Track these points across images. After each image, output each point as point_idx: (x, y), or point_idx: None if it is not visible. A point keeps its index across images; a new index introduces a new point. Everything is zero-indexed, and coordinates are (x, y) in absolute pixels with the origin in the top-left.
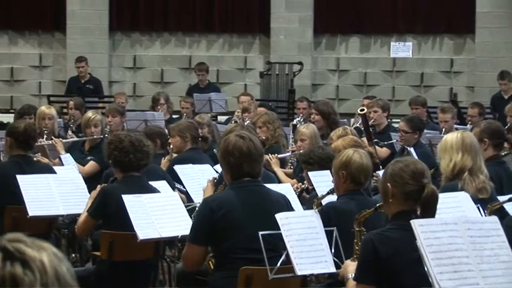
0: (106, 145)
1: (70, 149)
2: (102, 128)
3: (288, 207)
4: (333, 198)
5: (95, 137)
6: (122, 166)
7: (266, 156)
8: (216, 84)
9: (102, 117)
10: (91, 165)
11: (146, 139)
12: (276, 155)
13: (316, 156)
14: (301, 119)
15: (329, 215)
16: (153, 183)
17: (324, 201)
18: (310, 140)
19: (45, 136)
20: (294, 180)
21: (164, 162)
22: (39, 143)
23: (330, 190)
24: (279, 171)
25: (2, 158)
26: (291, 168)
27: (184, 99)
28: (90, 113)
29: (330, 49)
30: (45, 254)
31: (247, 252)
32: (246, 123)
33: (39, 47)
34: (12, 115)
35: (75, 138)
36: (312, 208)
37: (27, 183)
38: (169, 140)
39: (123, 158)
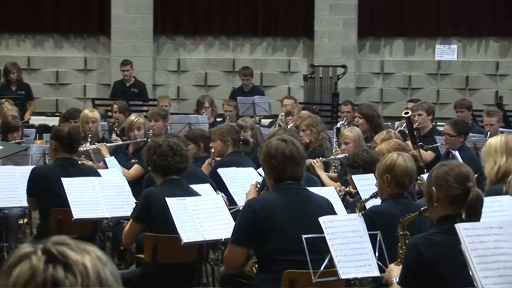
0: (145, 151)
1: (114, 152)
2: (145, 131)
3: (331, 211)
4: (377, 202)
5: (138, 140)
6: (161, 170)
7: (310, 160)
8: (260, 87)
9: (145, 120)
10: (135, 168)
11: (185, 143)
12: (320, 158)
13: (361, 160)
14: (345, 123)
15: (373, 219)
16: (196, 186)
17: (368, 205)
18: (354, 143)
19: (89, 139)
20: (338, 183)
21: (205, 166)
22: (84, 148)
23: (374, 194)
24: (323, 175)
25: (47, 161)
26: (334, 171)
27: (227, 102)
28: (133, 116)
29: (374, 52)
30: (88, 257)
31: (290, 255)
32: (289, 127)
33: (84, 51)
34: (58, 118)
35: (119, 142)
36: (355, 211)
37: (72, 186)
38: (211, 144)
39: (162, 161)
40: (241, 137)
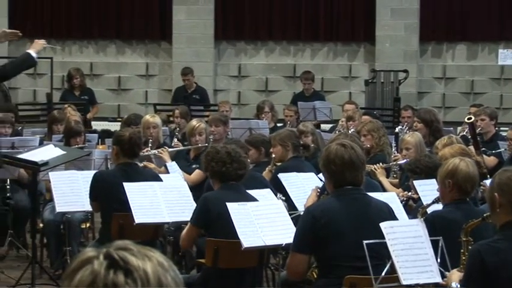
0: (203, 157)
1: (176, 157)
2: (206, 136)
3: (392, 216)
4: (439, 207)
5: (199, 145)
6: (219, 177)
7: (371, 166)
8: (321, 92)
9: (207, 126)
10: (197, 173)
11: (244, 149)
12: (381, 164)
13: (423, 165)
14: (405, 128)
15: (434, 224)
16: (256, 191)
17: (429, 210)
18: (415, 148)
19: (150, 145)
20: (400, 189)
21: (266, 173)
22: (145, 153)
23: (436, 199)
24: (385, 181)
25: (109, 166)
26: (394, 177)
27: (288, 107)
28: (194, 122)
29: (436, 57)
30: (150, 263)
31: (350, 260)
32: (349, 132)
33: (145, 56)
34: (120, 123)
35: (181, 147)
36: (417, 217)
37: (133, 190)
38: (271, 150)
39: (220, 168)
40: (302, 142)
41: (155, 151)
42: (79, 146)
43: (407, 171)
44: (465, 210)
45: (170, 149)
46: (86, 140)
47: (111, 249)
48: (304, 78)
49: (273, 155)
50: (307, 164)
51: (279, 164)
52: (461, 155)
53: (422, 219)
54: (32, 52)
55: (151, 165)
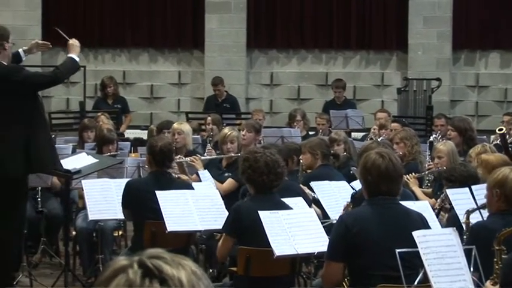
0: (241, 161)
1: (208, 165)
2: (238, 144)
3: (425, 225)
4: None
5: (232, 155)
6: (254, 184)
7: (404, 177)
8: (353, 100)
9: (239, 134)
10: (229, 182)
11: (288, 153)
12: (414, 174)
13: (459, 174)
14: (439, 136)
15: (478, 235)
16: (288, 200)
17: (472, 218)
18: (447, 157)
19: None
20: (433, 200)
21: None
22: (179, 159)
23: (482, 205)
24: (418, 191)
25: (142, 174)
26: (427, 185)
27: (320, 115)
28: (226, 129)
29: (469, 65)
30: (184, 272)
31: (383, 269)
32: (379, 139)
33: (178, 65)
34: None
35: (213, 156)
36: (451, 226)
37: (165, 199)
38: (300, 157)
39: (257, 177)
40: (332, 151)
41: (187, 159)
42: (111, 153)
43: (442, 179)
44: (509, 222)
45: (202, 158)
46: (119, 148)
47: (144, 258)
48: (336, 86)
49: (302, 163)
50: (336, 173)
51: (309, 171)
52: (505, 164)
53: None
54: (75, 56)
55: (184, 177)
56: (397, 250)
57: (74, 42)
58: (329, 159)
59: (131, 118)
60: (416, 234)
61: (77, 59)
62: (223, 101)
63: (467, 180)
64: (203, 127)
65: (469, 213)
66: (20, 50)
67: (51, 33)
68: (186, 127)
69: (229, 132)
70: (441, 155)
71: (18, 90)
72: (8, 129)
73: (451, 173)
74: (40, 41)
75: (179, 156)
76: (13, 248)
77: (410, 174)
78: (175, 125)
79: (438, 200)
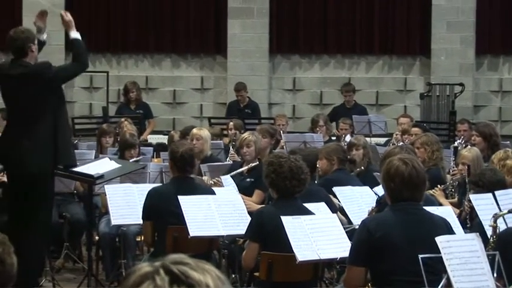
0: (265, 165)
1: (230, 170)
2: (256, 149)
3: (449, 231)
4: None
5: (252, 165)
6: (277, 189)
7: (429, 192)
8: (363, 105)
9: (256, 138)
10: (257, 194)
11: (314, 157)
12: (440, 186)
13: (487, 180)
14: (462, 142)
15: (507, 243)
16: (311, 205)
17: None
18: (472, 163)
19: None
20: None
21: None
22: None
23: (510, 210)
24: (446, 203)
25: (164, 180)
26: (451, 191)
27: (342, 120)
28: (245, 134)
29: (493, 70)
30: (210, 277)
31: (405, 275)
32: (400, 144)
33: (200, 70)
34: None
35: (237, 171)
36: (476, 232)
37: (188, 204)
38: (317, 162)
39: (280, 182)
40: (349, 157)
41: (212, 181)
42: (134, 159)
43: (469, 183)
44: None
45: (223, 177)
46: (141, 153)
47: (168, 264)
48: (345, 91)
49: (319, 168)
50: (352, 177)
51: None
52: None
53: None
54: (76, 34)
55: (206, 183)
56: (420, 256)
57: (66, 17)
58: (345, 164)
59: (155, 123)
60: (440, 239)
61: (79, 36)
62: (245, 107)
63: (495, 186)
64: (225, 132)
65: (496, 217)
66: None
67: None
68: (205, 133)
69: (245, 137)
70: (465, 161)
71: (49, 86)
72: (36, 125)
73: (480, 178)
74: (40, 13)
75: (205, 177)
76: (37, 252)
77: (436, 188)
78: (194, 131)
79: (464, 204)
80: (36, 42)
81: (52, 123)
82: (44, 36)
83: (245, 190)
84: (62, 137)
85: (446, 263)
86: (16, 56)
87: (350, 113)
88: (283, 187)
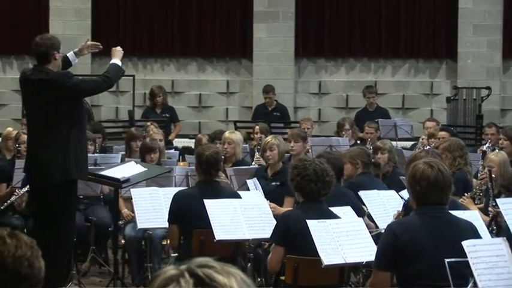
0: (290, 168)
1: (255, 175)
2: (279, 152)
3: (476, 235)
4: None
5: (278, 169)
6: (302, 192)
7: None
8: (385, 109)
9: (279, 142)
10: (288, 201)
11: (339, 161)
12: (467, 194)
13: None
14: (490, 145)
15: None
16: (337, 209)
17: None
18: (498, 167)
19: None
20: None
21: None
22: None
23: None
24: (475, 209)
25: (190, 183)
26: (479, 195)
27: (368, 124)
28: (268, 137)
29: None
30: (235, 280)
31: (432, 279)
32: (426, 148)
33: (226, 74)
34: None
35: (262, 163)
36: (503, 236)
37: (214, 207)
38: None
39: (305, 185)
40: (373, 160)
41: (236, 168)
42: (154, 163)
43: (500, 187)
44: None
45: (248, 180)
46: (167, 157)
47: (194, 267)
48: (368, 92)
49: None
50: (376, 181)
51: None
52: None
53: None
54: (118, 61)
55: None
56: (447, 260)
57: (116, 48)
58: (370, 168)
59: (181, 127)
60: (466, 243)
61: (120, 63)
62: (273, 110)
63: None
64: (251, 136)
65: None
66: (69, 54)
67: (100, 43)
68: (237, 136)
69: (268, 140)
70: (492, 164)
71: (68, 96)
72: (53, 134)
73: (510, 182)
74: (90, 42)
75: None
76: (62, 257)
77: (464, 195)
78: (226, 134)
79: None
80: (61, 50)
81: (65, 134)
82: (76, 60)
83: (270, 194)
84: (73, 149)
85: (472, 267)
86: (39, 62)
87: (372, 116)
88: (309, 190)
